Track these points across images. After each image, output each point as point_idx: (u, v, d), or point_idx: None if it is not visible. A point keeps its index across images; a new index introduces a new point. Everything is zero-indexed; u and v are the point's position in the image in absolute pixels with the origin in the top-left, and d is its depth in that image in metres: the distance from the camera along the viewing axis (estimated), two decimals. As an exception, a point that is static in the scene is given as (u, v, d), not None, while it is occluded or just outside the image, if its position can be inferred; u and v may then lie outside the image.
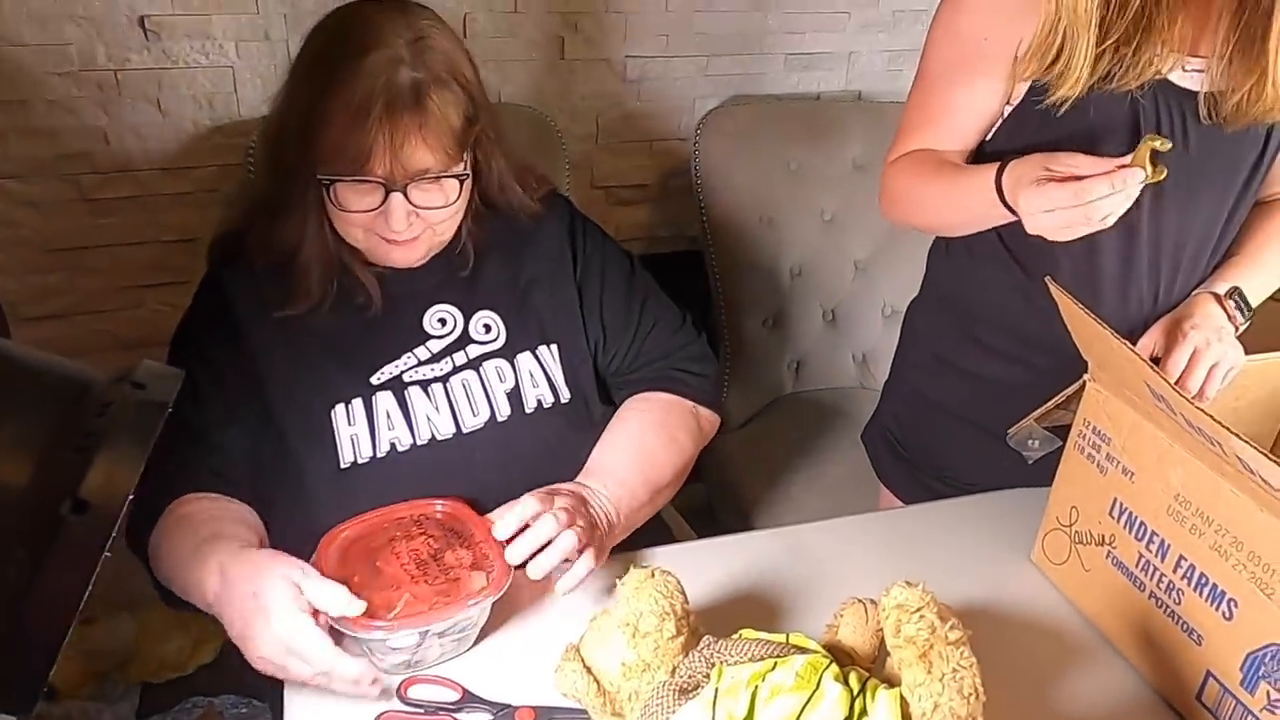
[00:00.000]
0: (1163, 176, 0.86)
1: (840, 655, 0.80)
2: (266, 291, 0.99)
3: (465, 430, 1.02)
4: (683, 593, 0.79)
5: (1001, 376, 1.15)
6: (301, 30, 0.98)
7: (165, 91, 1.47)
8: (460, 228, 1.03)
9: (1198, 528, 0.82)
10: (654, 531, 1.09)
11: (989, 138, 1.07)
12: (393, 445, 0.99)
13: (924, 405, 1.25)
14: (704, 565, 0.99)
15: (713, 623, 0.82)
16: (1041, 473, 1.03)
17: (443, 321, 1.04)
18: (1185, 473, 0.83)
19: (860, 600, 0.84)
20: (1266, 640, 0.77)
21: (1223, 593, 0.80)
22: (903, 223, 1.13)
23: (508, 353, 1.05)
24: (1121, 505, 0.91)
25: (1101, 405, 0.92)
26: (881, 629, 0.74)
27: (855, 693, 0.71)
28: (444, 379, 1.02)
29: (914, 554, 1.04)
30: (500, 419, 1.03)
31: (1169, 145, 0.84)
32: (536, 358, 1.06)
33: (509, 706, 0.83)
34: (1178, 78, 0.97)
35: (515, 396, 1.04)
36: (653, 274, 1.19)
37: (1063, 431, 0.99)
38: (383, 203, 0.94)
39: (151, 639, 1.70)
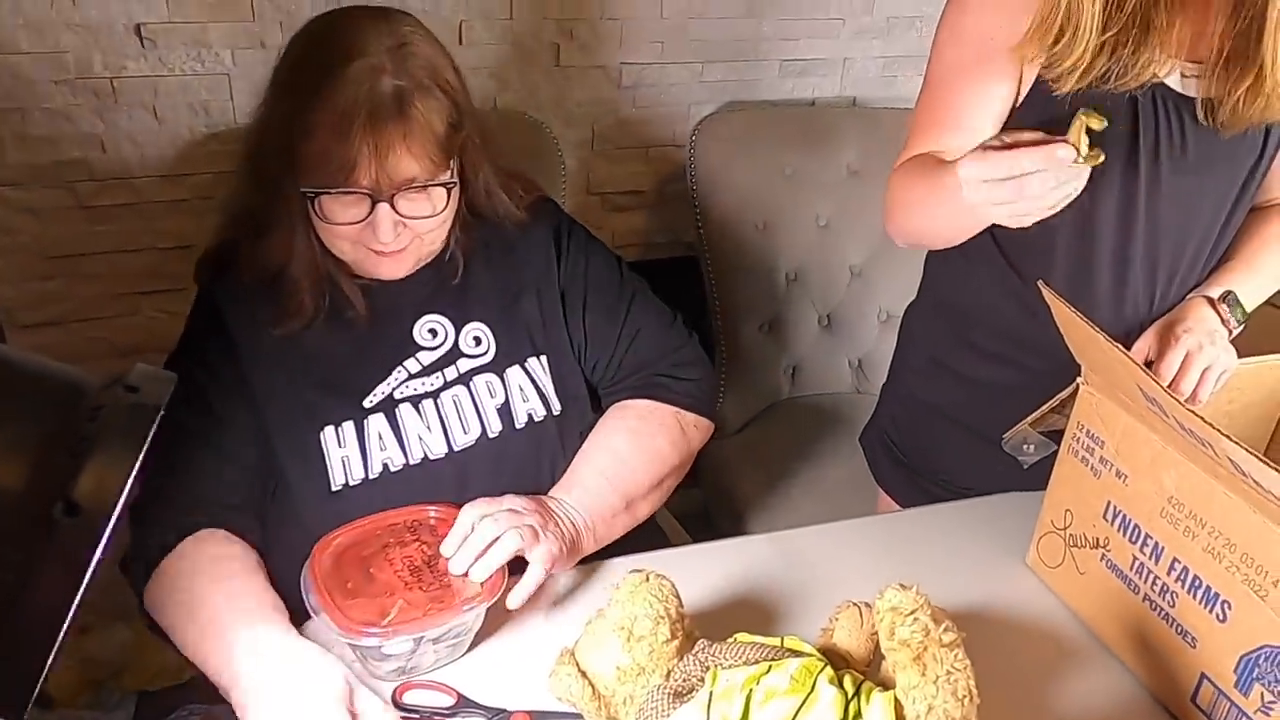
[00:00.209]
0: (1099, 160, 0.81)
1: (835, 659, 0.80)
2: (258, 309, 0.98)
3: (457, 448, 1.01)
4: (677, 596, 0.79)
5: (997, 380, 1.16)
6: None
7: (161, 99, 1.47)
8: (449, 237, 1.02)
9: (1191, 530, 0.82)
10: (649, 536, 1.09)
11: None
12: (385, 466, 0.98)
13: (921, 409, 1.25)
14: (699, 569, 0.99)
15: (708, 627, 0.82)
16: (1038, 477, 1.04)
17: (433, 332, 1.03)
18: (1178, 475, 0.83)
19: (855, 604, 0.85)
20: (1260, 642, 0.77)
21: (1216, 595, 0.81)
22: (900, 233, 1.09)
23: (497, 367, 1.04)
24: (1115, 508, 0.91)
25: (1095, 408, 0.92)
26: (876, 632, 0.75)
27: (850, 695, 0.71)
28: (435, 394, 1.01)
29: (909, 557, 1.05)
30: (491, 435, 1.02)
31: (1104, 124, 0.80)
32: (526, 371, 1.05)
33: (504, 711, 0.83)
34: (1175, 82, 0.97)
35: (506, 412, 1.03)
36: (649, 280, 1.17)
37: (1058, 436, 1.00)
38: (369, 214, 0.92)
39: (147, 647, 1.69)
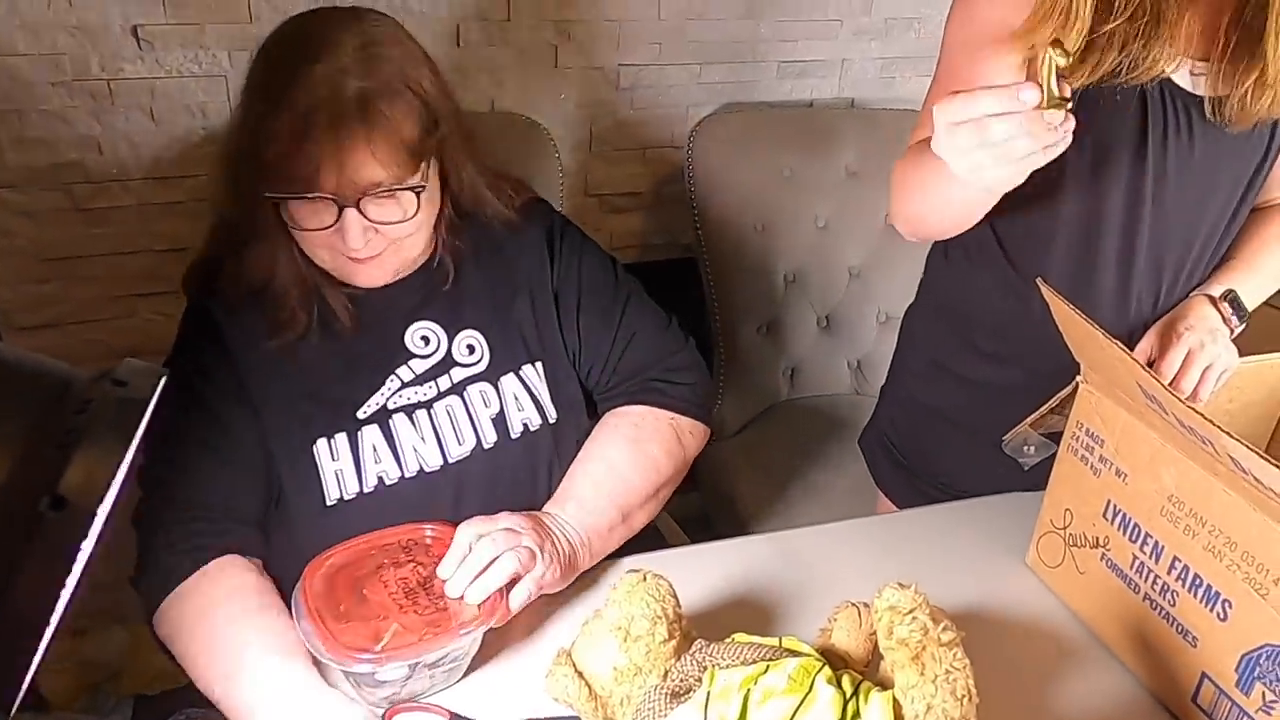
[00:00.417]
0: (1066, 105, 0.73)
1: (834, 659, 0.80)
2: (251, 321, 0.97)
3: (452, 460, 1.00)
4: (675, 596, 0.78)
5: (999, 382, 1.15)
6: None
7: (158, 100, 1.47)
8: (436, 241, 1.01)
9: (1191, 529, 0.82)
10: (648, 539, 1.08)
11: None
12: (380, 479, 0.97)
13: (921, 411, 1.25)
14: (697, 570, 0.98)
15: (706, 627, 0.82)
16: (1038, 481, 1.03)
17: (425, 339, 1.02)
18: (1178, 473, 0.83)
19: (854, 604, 0.84)
20: (1261, 641, 0.76)
21: (1217, 594, 0.80)
22: (901, 218, 1.05)
23: (491, 375, 1.02)
24: (1115, 507, 0.90)
25: (1094, 407, 0.92)
26: (875, 632, 0.74)
27: (848, 695, 0.70)
28: (428, 404, 1.00)
29: (908, 558, 1.04)
30: (486, 446, 1.01)
31: (1069, 60, 0.72)
32: (521, 379, 1.03)
33: None
34: (1184, 80, 0.97)
35: (500, 422, 1.02)
36: (647, 282, 1.16)
37: (1058, 437, 0.99)
38: (337, 219, 0.90)
39: (144, 650, 1.69)
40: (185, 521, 0.90)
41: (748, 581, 0.98)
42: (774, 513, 1.64)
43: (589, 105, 1.75)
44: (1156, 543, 0.86)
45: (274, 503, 0.97)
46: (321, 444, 0.96)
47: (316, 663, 0.82)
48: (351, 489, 0.96)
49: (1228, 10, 0.93)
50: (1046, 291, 0.87)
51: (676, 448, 1.07)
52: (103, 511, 0.39)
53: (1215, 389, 1.01)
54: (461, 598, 0.83)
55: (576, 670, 0.78)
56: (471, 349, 1.03)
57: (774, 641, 0.77)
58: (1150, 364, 1.04)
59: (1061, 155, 0.98)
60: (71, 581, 0.40)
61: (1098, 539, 0.93)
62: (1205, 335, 1.02)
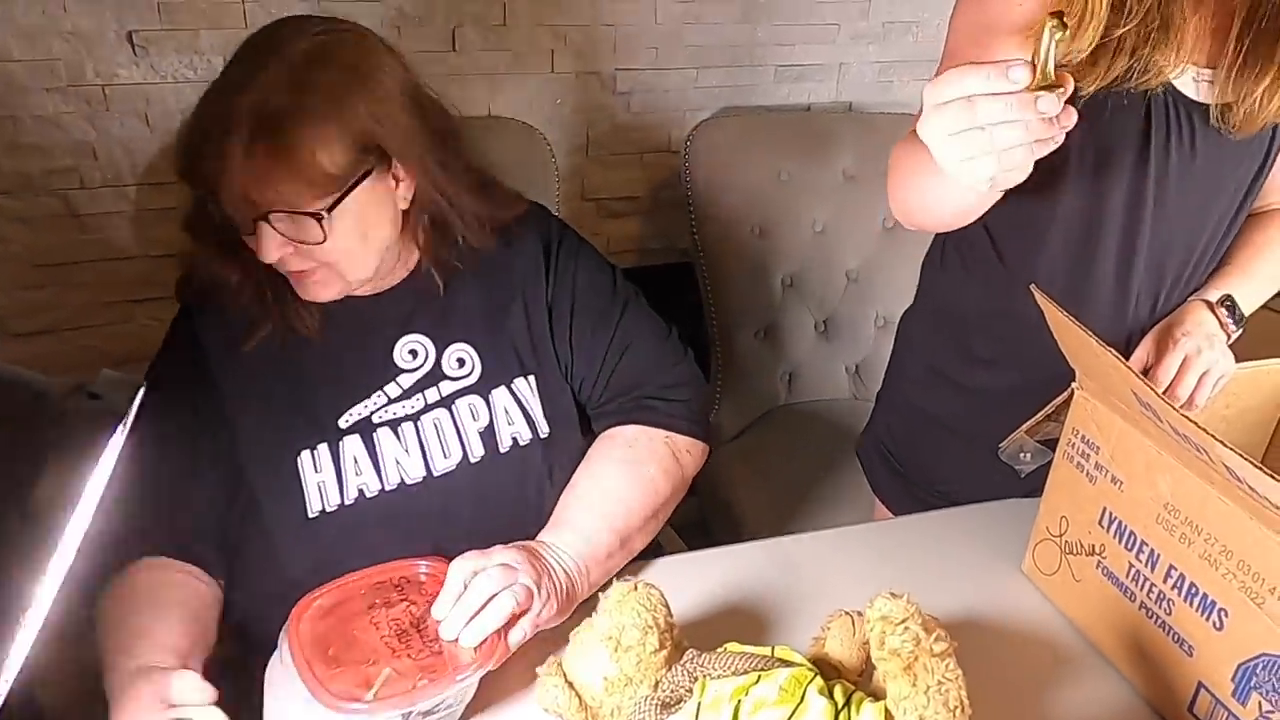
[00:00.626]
0: (1059, 93, 0.63)
1: (827, 668, 0.79)
2: (226, 325, 0.96)
3: (436, 473, 0.98)
4: (666, 606, 0.78)
5: (996, 389, 1.14)
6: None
7: (153, 106, 1.47)
8: (419, 255, 1.00)
9: (1187, 537, 0.81)
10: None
11: None
12: (361, 492, 0.96)
13: (918, 418, 1.24)
14: (690, 578, 0.98)
15: (698, 636, 0.81)
16: (1035, 487, 1.02)
17: (414, 354, 1.01)
18: (1174, 481, 0.82)
19: (847, 612, 0.84)
20: (1258, 650, 0.76)
21: (1213, 602, 0.79)
22: (897, 207, 1.02)
23: (482, 388, 1.01)
24: (1111, 514, 0.90)
25: (1089, 414, 0.91)
26: (868, 641, 0.74)
27: (840, 706, 0.70)
28: (414, 417, 0.99)
29: (903, 565, 1.03)
30: (473, 460, 0.99)
31: (1064, 32, 0.62)
32: (513, 392, 1.02)
33: None
34: (1188, 86, 0.96)
35: (489, 435, 1.00)
36: (644, 286, 1.14)
37: (1054, 444, 0.98)
38: (253, 229, 0.88)
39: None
40: (134, 532, 0.89)
41: (742, 589, 0.98)
42: (772, 518, 1.63)
43: (586, 110, 1.74)
44: (1152, 551, 0.85)
45: (239, 518, 0.96)
46: (305, 455, 0.95)
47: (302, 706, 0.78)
48: (333, 501, 0.95)
49: (1238, 16, 0.92)
50: (1040, 298, 0.86)
51: (674, 466, 1.04)
52: (77, 524, 0.39)
53: (1212, 395, 1.00)
54: (457, 640, 0.80)
55: (567, 680, 0.77)
56: (462, 362, 1.02)
57: (766, 651, 0.76)
58: (1146, 370, 1.03)
59: (1063, 159, 0.95)
60: (46, 594, 0.39)
61: (1093, 547, 0.92)
62: (1202, 341, 1.01)
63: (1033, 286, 0.87)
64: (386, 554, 0.91)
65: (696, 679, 0.73)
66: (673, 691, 0.74)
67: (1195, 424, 0.71)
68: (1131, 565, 0.88)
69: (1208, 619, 0.80)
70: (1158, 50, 0.90)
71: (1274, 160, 1.03)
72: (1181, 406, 1.02)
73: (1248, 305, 1.07)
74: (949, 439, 1.20)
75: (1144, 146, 0.97)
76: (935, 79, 0.66)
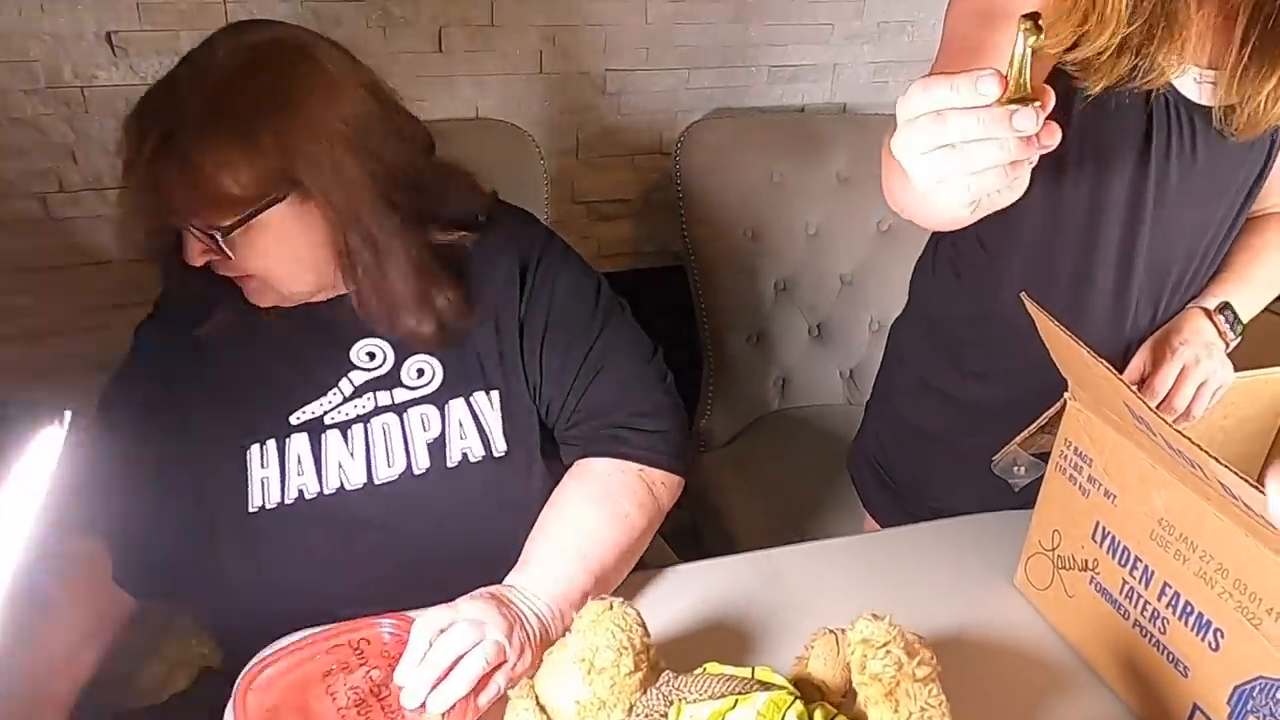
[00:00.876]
0: (1034, 107, 0.55)
1: (810, 689, 0.77)
2: (191, 314, 0.97)
3: (378, 482, 0.95)
4: (642, 625, 0.75)
5: (991, 401, 1.11)
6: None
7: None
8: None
9: (1182, 554, 0.79)
10: None
11: None
12: (300, 492, 0.94)
13: (908, 431, 1.21)
14: (672, 592, 0.95)
15: (677, 655, 0.79)
16: (1030, 502, 1.00)
17: (371, 356, 0.98)
18: (1168, 496, 0.79)
19: (832, 630, 0.81)
20: (1255, 673, 0.73)
21: (1208, 622, 0.77)
22: (890, 201, 0.93)
23: (438, 399, 0.97)
24: (1104, 529, 0.87)
25: (1082, 425, 0.89)
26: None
27: (819, 732, 0.67)
28: (365, 419, 0.96)
29: (893, 578, 1.01)
30: (417, 471, 0.95)
31: (1039, 39, 0.55)
32: (471, 405, 0.97)
33: None
34: (1190, 88, 0.93)
35: (438, 447, 0.96)
36: (636, 290, 1.10)
37: (1049, 457, 0.96)
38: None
39: (118, 666, 1.66)
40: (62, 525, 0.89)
41: (725, 604, 0.95)
42: (764, 526, 1.61)
43: (575, 111, 1.72)
44: (1146, 567, 0.83)
45: (191, 512, 0.96)
46: (254, 449, 0.94)
47: None
48: (274, 498, 0.93)
49: (1242, 14, 0.90)
50: (1031, 307, 0.84)
51: (649, 500, 0.98)
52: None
53: (1210, 405, 0.98)
54: (423, 705, 0.75)
55: (539, 703, 0.75)
56: (421, 372, 0.99)
57: (746, 672, 0.74)
58: (1144, 379, 1.01)
59: (1062, 161, 0.92)
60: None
61: (1086, 562, 0.90)
62: (1200, 350, 0.99)
63: (1024, 295, 0.84)
64: (322, 559, 0.90)
65: (672, 703, 0.71)
66: (647, 716, 0.71)
67: (1189, 440, 0.68)
68: (1125, 582, 0.85)
69: (1203, 639, 0.77)
70: (1161, 49, 0.88)
71: (1274, 163, 1.01)
72: (1179, 417, 0.99)
73: (1246, 311, 1.04)
74: (941, 454, 1.17)
75: (1145, 149, 0.95)
76: (906, 92, 0.59)
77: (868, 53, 1.88)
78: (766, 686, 0.71)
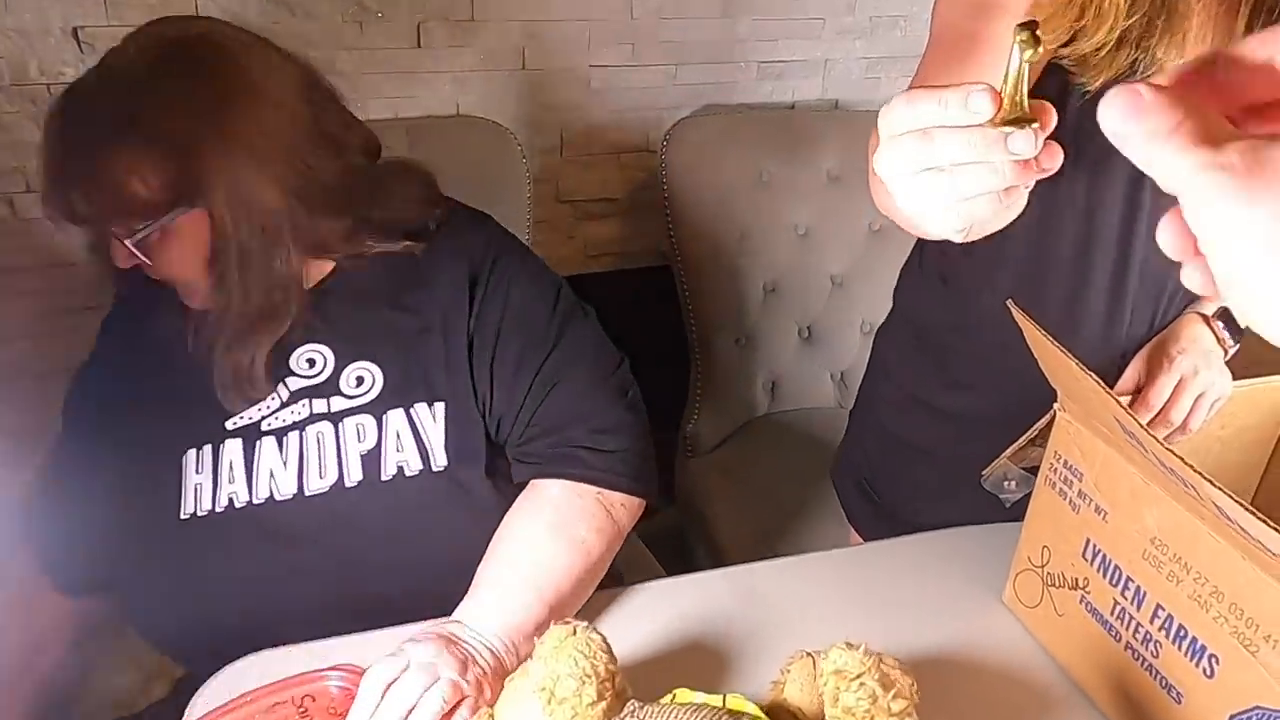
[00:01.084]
0: (1033, 128, 0.48)
1: (785, 717, 0.73)
2: (137, 317, 0.98)
3: (308, 493, 0.91)
4: (608, 652, 0.71)
5: (983, 414, 1.07)
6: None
7: (102, 106, 1.41)
8: (333, 270, 0.97)
9: (1175, 574, 0.75)
10: (620, 564, 1.00)
11: None
12: (231, 501, 0.91)
13: (894, 443, 1.16)
14: (641, 611, 0.92)
15: (647, 679, 0.75)
16: (1020, 515, 0.96)
17: (311, 362, 0.95)
18: (1161, 514, 0.76)
19: (809, 654, 0.77)
20: (1251, 703, 0.69)
21: (1203, 647, 0.73)
22: (879, 206, 0.89)
23: (377, 409, 0.93)
24: (1095, 546, 0.83)
25: (1072, 438, 0.85)
26: (827, 689, 0.67)
27: (790, 768, 0.64)
28: (300, 427, 0.93)
29: (876, 595, 0.97)
30: (349, 484, 0.91)
31: (1036, 52, 0.47)
32: (411, 417, 0.93)
33: None
34: None
35: (372, 460, 0.91)
36: (622, 291, 1.07)
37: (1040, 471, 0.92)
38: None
39: (98, 674, 1.63)
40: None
41: (700, 623, 0.91)
42: (751, 532, 1.57)
43: (559, 108, 1.68)
44: (1138, 588, 0.79)
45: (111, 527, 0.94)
46: (190, 454, 0.92)
47: None
48: (205, 506, 0.91)
49: (1245, 8, 0.85)
50: (1018, 315, 0.80)
51: (608, 524, 0.93)
52: None
53: (1207, 418, 0.94)
54: None
55: (498, 734, 0.71)
56: (361, 380, 0.95)
57: (717, 700, 0.70)
58: (1139, 390, 0.97)
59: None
60: None
61: (1076, 580, 0.86)
62: (1199, 359, 0.95)
63: (1010, 303, 0.80)
64: (251, 572, 0.88)
65: (636, 735, 0.67)
66: (611, 748, 0.68)
67: (1182, 459, 0.65)
68: (1116, 602, 0.81)
69: (1197, 665, 0.74)
70: (1162, 42, 0.84)
71: None
72: (1175, 431, 0.96)
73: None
74: (929, 468, 1.13)
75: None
76: (889, 104, 0.52)
77: (860, 48, 1.84)
78: (738, 716, 0.68)
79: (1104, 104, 0.35)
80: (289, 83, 0.90)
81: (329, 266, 0.98)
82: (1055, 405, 0.87)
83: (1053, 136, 0.50)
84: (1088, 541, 0.84)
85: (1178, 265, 1.10)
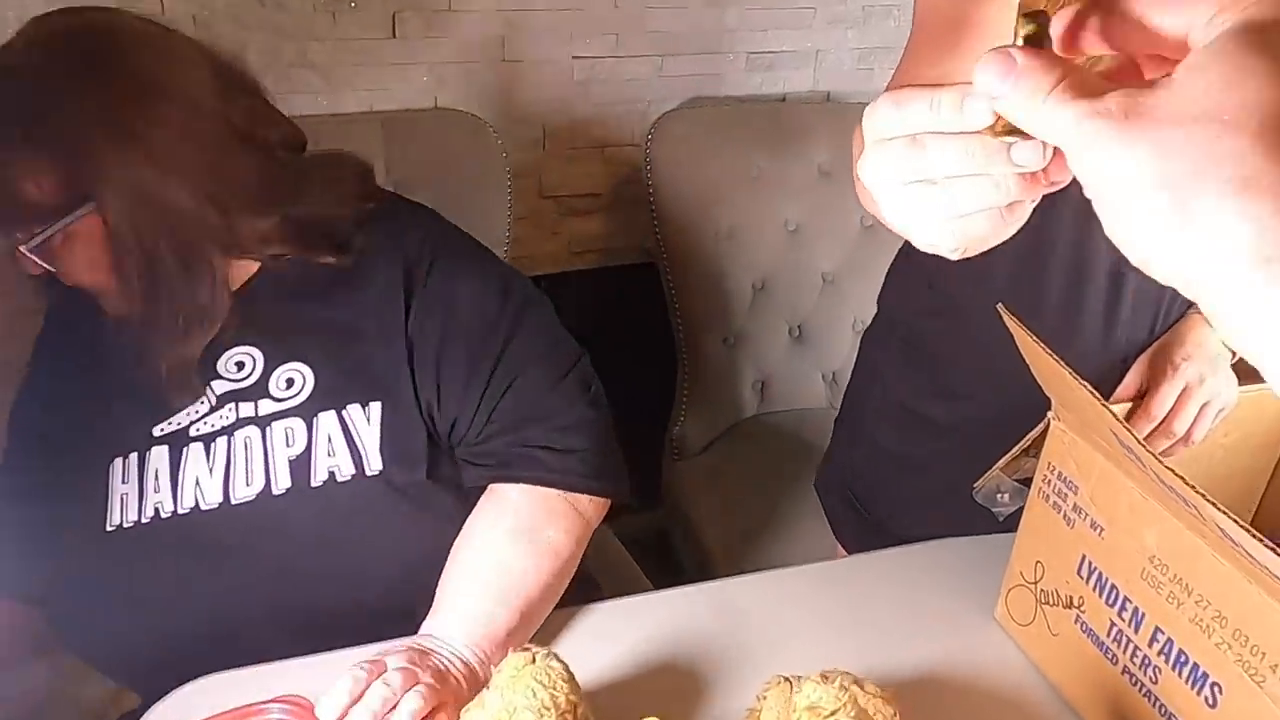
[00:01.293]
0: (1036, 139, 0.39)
1: (759, 748, 0.69)
2: (68, 314, 0.96)
3: (234, 501, 0.87)
4: (569, 680, 0.67)
5: (974, 423, 1.03)
6: (212, 34, 0.87)
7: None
8: (258, 271, 0.94)
9: (1175, 596, 0.70)
10: (605, 570, 0.97)
11: None
12: (156, 511, 0.87)
13: (883, 456, 1.11)
14: (611, 630, 0.87)
15: (614, 706, 0.72)
16: (1014, 527, 0.91)
17: (240, 365, 0.91)
18: (1161, 531, 0.71)
19: (787, 678, 0.73)
20: (1256, 735, 0.65)
21: (1205, 675, 0.68)
22: (864, 203, 0.87)
23: (307, 411, 0.89)
24: (1091, 564, 0.79)
25: (1067, 448, 0.80)
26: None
27: (759, 811, 0.59)
28: (228, 431, 0.89)
29: (864, 611, 0.92)
30: (276, 491, 0.87)
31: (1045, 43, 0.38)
32: (343, 419, 0.89)
33: None
34: None
35: (301, 465, 0.87)
36: (608, 289, 1.02)
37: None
38: None
39: (67, 684, 1.59)
40: None
41: (673, 643, 0.87)
42: (739, 537, 1.53)
43: (541, 101, 1.63)
44: (1136, 609, 0.74)
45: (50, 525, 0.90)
46: (118, 463, 0.88)
47: None
48: (130, 517, 0.87)
49: None
50: (1009, 321, 0.75)
51: (575, 521, 0.91)
52: None
53: (1212, 428, 0.90)
54: None
55: (450, 770, 0.67)
56: (291, 382, 0.91)
57: (686, 733, 0.66)
58: (1142, 395, 0.92)
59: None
60: None
61: (1071, 598, 0.81)
62: (1205, 366, 0.91)
63: (1001, 307, 0.76)
64: (178, 585, 0.85)
65: (596, 773, 0.63)
66: (569, 787, 0.63)
67: (1183, 479, 0.60)
68: (1113, 624, 0.77)
69: (1199, 693, 0.69)
70: None
71: None
72: (1178, 442, 0.91)
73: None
74: (921, 482, 1.08)
75: None
76: (874, 104, 0.44)
77: (852, 38, 1.79)
78: (706, 751, 0.63)
79: (979, 68, 0.36)
80: (199, 77, 0.86)
81: (255, 266, 0.94)
82: (1049, 414, 0.82)
83: None
84: (1083, 558, 0.79)
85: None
